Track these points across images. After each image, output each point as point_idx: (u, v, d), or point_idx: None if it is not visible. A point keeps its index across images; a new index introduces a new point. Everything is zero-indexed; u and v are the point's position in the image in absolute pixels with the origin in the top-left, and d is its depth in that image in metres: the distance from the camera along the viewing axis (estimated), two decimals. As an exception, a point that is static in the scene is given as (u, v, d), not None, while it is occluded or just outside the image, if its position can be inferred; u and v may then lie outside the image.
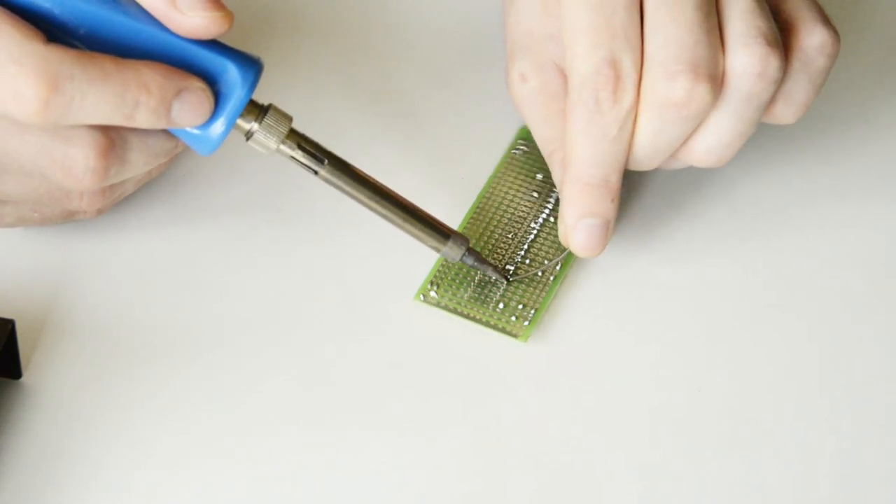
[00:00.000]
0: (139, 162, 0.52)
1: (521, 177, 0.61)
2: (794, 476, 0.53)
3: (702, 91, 0.53)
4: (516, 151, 0.62)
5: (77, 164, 0.51)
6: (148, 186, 0.60)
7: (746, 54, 0.54)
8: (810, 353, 0.56)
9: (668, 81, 0.53)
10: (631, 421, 0.54)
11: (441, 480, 0.53)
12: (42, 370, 0.55)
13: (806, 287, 0.58)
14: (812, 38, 0.55)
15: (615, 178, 0.55)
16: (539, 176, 0.61)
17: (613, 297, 0.58)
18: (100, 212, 0.56)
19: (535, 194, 0.60)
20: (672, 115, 0.54)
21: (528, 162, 0.61)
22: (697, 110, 0.53)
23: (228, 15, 0.51)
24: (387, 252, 0.58)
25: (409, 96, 0.64)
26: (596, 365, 0.56)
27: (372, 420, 0.54)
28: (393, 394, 0.55)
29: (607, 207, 0.55)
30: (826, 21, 0.56)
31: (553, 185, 0.60)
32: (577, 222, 0.55)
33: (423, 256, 0.58)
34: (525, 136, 0.62)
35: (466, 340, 0.56)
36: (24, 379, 0.54)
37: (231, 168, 0.61)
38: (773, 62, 0.54)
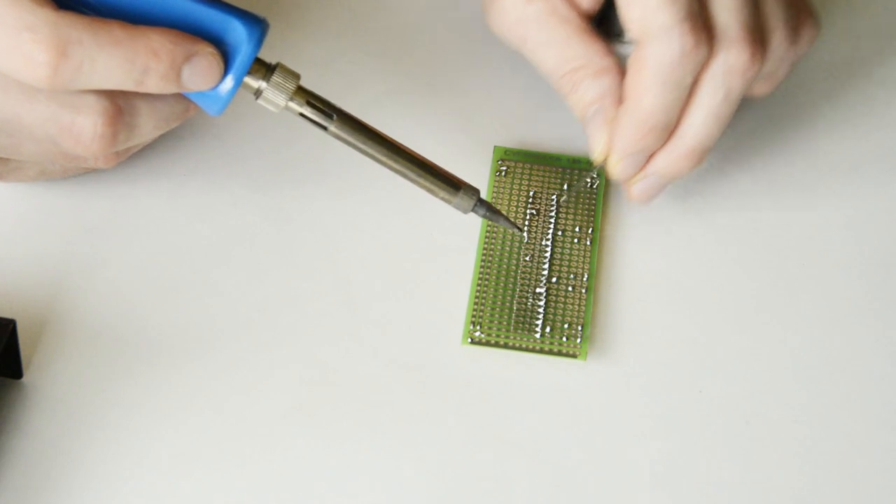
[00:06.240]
0: (148, 127, 0.53)
1: (514, 193, 0.60)
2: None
3: (760, 59, 0.56)
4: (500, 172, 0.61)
5: (85, 132, 0.52)
6: (148, 187, 0.60)
7: (786, 31, 0.58)
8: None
9: (740, 49, 0.56)
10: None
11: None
12: (42, 370, 0.55)
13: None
14: (807, 31, 0.59)
15: (674, 121, 0.57)
16: (531, 192, 0.60)
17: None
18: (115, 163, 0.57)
19: (534, 211, 0.60)
20: (737, 81, 0.56)
21: (514, 181, 0.61)
22: (753, 76, 0.56)
23: None
24: (394, 255, 0.59)
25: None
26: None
27: (375, 424, 0.54)
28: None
29: (659, 144, 0.58)
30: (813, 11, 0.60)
31: (551, 194, 0.60)
32: (629, 156, 0.58)
33: (432, 258, 0.58)
34: (503, 157, 0.61)
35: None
36: (24, 379, 0.54)
37: (232, 167, 0.61)
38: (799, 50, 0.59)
